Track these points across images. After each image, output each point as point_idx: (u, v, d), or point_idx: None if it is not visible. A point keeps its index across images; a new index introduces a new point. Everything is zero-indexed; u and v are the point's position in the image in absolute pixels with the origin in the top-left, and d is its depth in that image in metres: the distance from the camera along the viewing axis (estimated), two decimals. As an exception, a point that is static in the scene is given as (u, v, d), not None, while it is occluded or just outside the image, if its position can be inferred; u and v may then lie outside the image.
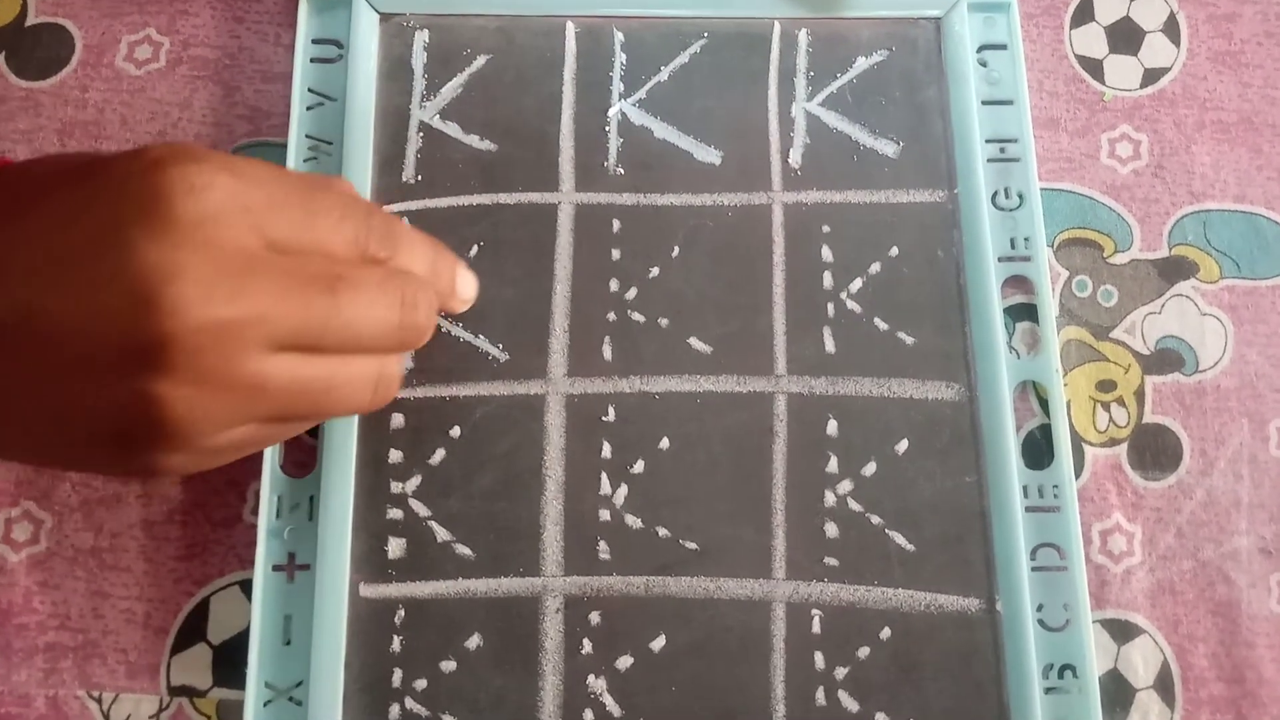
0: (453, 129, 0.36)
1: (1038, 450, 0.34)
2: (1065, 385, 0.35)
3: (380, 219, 0.28)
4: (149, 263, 0.22)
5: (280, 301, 0.24)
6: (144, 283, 0.22)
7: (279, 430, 0.28)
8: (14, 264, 0.23)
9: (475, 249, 0.35)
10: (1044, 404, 0.34)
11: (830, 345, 0.34)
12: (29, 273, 0.23)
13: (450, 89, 0.36)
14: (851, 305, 0.35)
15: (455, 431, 0.33)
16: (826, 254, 0.35)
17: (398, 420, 0.33)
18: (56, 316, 0.23)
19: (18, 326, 0.23)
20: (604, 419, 0.33)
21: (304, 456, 0.33)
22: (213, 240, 0.23)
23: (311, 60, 0.36)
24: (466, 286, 0.32)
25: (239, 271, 0.23)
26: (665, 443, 0.33)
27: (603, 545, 0.32)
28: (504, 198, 0.35)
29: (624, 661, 0.32)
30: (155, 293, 0.22)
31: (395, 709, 0.31)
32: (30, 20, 0.38)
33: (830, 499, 0.33)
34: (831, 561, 0.32)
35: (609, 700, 0.31)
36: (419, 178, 0.35)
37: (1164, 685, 0.33)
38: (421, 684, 0.31)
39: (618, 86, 0.37)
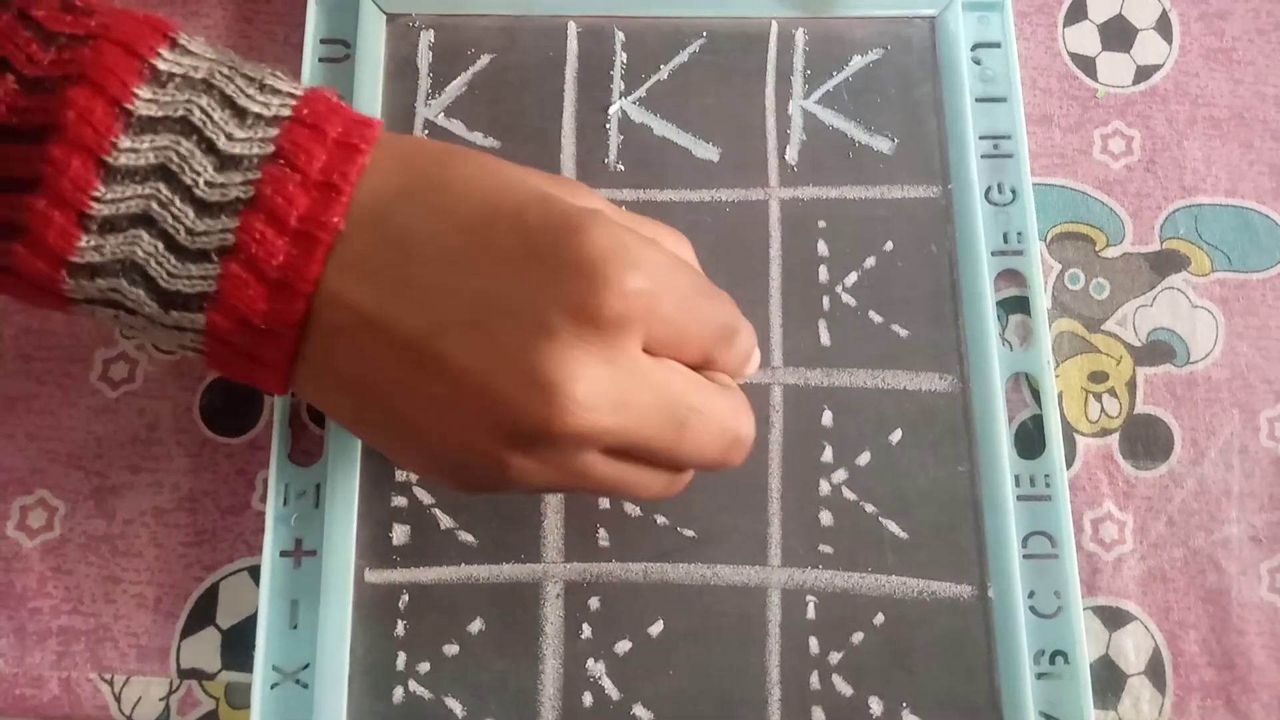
0: (457, 127, 0.37)
1: (1030, 440, 0.34)
2: (1057, 376, 0.35)
3: (731, 324, 0.28)
4: (561, 356, 0.23)
5: (642, 423, 0.25)
6: (551, 374, 0.23)
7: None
8: (431, 290, 0.24)
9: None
10: (1036, 395, 0.35)
11: (825, 338, 0.35)
12: (445, 304, 0.24)
13: (455, 87, 0.37)
14: (846, 298, 0.35)
15: (458, 421, 0.34)
16: (822, 248, 0.36)
17: (402, 410, 0.34)
18: (457, 357, 0.24)
19: (422, 347, 0.24)
20: (603, 409, 0.34)
21: (311, 445, 0.34)
22: (618, 347, 0.24)
23: (319, 60, 0.37)
24: (753, 367, 0.31)
25: (626, 385, 0.24)
26: (663, 432, 0.34)
27: (602, 532, 0.33)
28: (506, 193, 0.36)
29: (623, 646, 0.32)
30: (556, 387, 0.23)
31: (399, 691, 0.32)
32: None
33: (825, 488, 0.34)
34: (826, 549, 0.33)
35: (608, 684, 0.32)
36: (423, 174, 0.36)
37: (1155, 671, 0.33)
38: (425, 667, 0.32)
39: (618, 85, 0.37)
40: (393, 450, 0.27)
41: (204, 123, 0.24)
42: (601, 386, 0.24)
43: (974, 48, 0.38)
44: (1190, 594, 0.34)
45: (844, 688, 0.32)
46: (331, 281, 0.25)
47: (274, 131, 0.25)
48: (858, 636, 0.32)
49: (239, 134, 0.25)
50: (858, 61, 0.38)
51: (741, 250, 0.36)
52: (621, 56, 0.38)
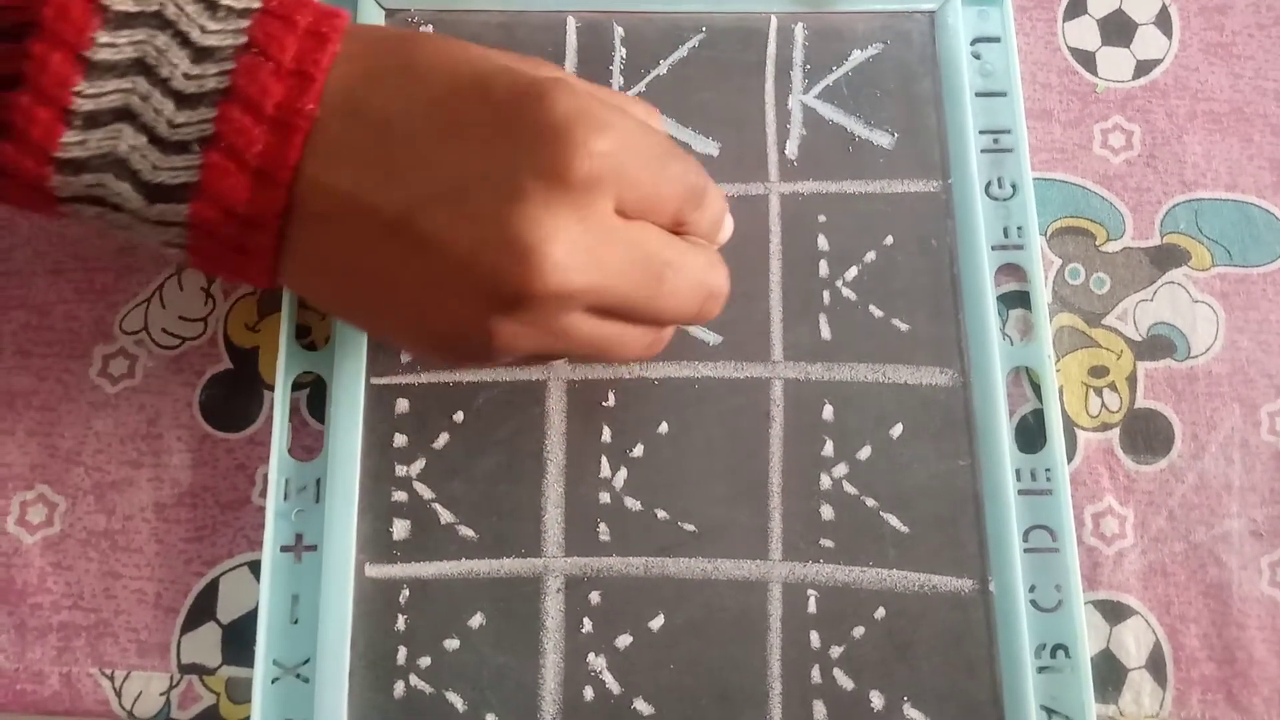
0: (456, 122, 0.37)
1: (1030, 434, 0.34)
2: (1058, 371, 0.35)
3: (700, 184, 0.29)
4: (535, 219, 0.24)
5: (619, 280, 0.26)
6: (526, 236, 0.24)
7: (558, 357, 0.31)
8: (408, 168, 0.25)
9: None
10: (1037, 389, 0.35)
11: (826, 332, 0.35)
12: (422, 181, 0.25)
13: (454, 83, 0.37)
14: (847, 293, 0.35)
15: (458, 416, 0.34)
16: (822, 243, 0.36)
17: (402, 405, 0.34)
18: (438, 232, 0.25)
19: (404, 225, 0.25)
20: (604, 404, 0.34)
21: (311, 440, 0.34)
22: (590, 207, 0.25)
23: (318, 55, 0.37)
24: (726, 234, 0.32)
25: (600, 243, 0.25)
26: (664, 427, 0.34)
27: (603, 527, 0.33)
28: (506, 188, 0.36)
29: (623, 640, 0.32)
30: (532, 250, 0.24)
31: (400, 686, 0.32)
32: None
33: (826, 482, 0.34)
34: (827, 543, 0.33)
35: (609, 678, 0.32)
36: (423, 169, 0.36)
37: (1156, 665, 0.33)
38: (425, 662, 0.32)
39: (617, 80, 0.37)
40: (383, 330, 0.28)
41: (178, 17, 0.25)
42: (577, 245, 0.24)
43: (974, 42, 0.38)
44: (1191, 588, 0.34)
45: (845, 682, 0.32)
46: (310, 168, 0.25)
47: (245, 23, 0.25)
48: (859, 630, 0.32)
49: (212, 26, 0.25)
50: (857, 56, 0.38)
51: (741, 245, 0.35)
52: (620, 51, 0.38)
